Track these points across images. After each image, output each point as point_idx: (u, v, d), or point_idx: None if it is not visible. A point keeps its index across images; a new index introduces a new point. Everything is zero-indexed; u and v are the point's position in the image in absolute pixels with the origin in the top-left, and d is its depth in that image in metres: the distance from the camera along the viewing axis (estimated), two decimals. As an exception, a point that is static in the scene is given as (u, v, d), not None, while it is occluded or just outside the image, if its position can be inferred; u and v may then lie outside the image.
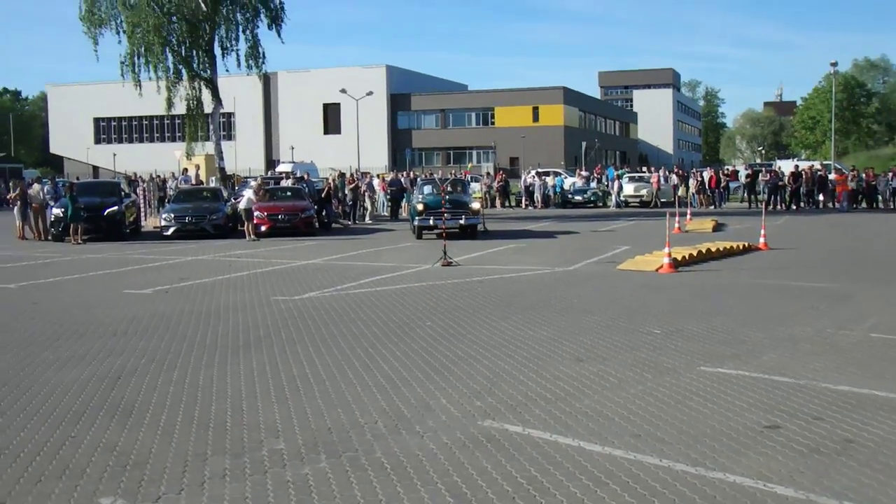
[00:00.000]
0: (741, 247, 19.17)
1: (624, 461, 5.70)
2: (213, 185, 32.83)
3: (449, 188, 24.88)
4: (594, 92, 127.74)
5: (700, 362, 8.53)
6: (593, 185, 44.65)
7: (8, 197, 43.09)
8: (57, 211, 24.94)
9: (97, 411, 6.96)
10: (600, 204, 42.57)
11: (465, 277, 15.27)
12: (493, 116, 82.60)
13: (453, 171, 48.82)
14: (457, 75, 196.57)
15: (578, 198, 42.41)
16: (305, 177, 36.09)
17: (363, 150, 64.33)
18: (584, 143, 75.96)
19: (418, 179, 36.00)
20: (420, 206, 23.70)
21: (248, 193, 25.47)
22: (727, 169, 50.71)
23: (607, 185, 43.97)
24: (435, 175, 45.77)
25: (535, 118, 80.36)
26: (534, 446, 6.01)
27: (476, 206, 23.88)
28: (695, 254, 17.16)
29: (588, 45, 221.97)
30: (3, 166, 67.38)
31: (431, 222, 22.78)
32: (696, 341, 9.56)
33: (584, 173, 48.55)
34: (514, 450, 5.93)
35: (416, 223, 23.78)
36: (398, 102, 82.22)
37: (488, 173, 50.57)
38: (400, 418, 6.69)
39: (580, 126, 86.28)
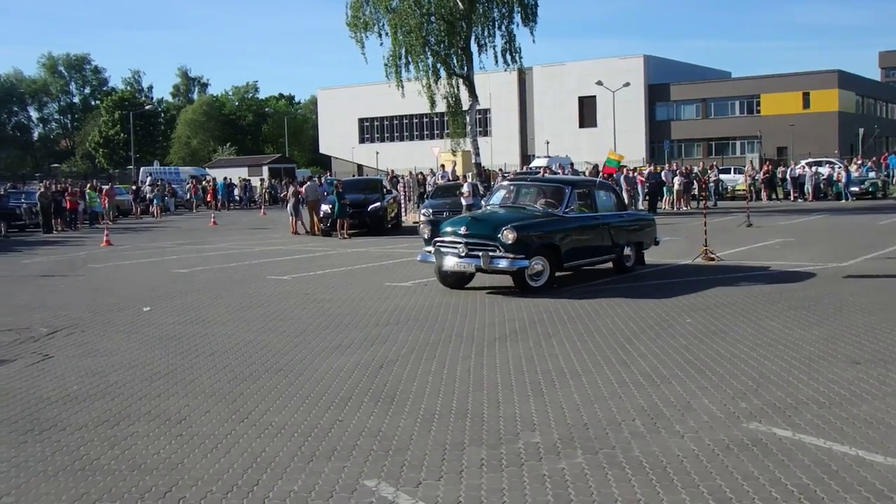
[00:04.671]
0: None
1: (911, 475, 5.17)
2: (469, 180, 33.63)
3: (521, 199, 14.78)
4: (874, 74, 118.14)
5: None
6: (872, 174, 41.38)
7: (282, 195, 46.68)
8: (325, 208, 26.63)
9: (362, 397, 7.27)
10: (880, 195, 39.36)
11: (727, 273, 14.61)
12: (758, 104, 78.54)
13: (714, 164, 46.87)
14: (719, 63, 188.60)
15: (855, 189, 39.44)
16: (561, 170, 36.04)
17: (619, 142, 63.43)
18: (861, 130, 70.52)
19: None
20: (426, 231, 14.01)
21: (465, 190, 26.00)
22: None
23: (888, 175, 40.59)
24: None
25: (806, 105, 75.50)
26: (805, 453, 5.59)
27: (511, 236, 12.59)
28: None
29: (866, 24, 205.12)
30: (279, 166, 72.90)
31: (432, 258, 13.56)
32: None
33: (859, 162, 45.16)
34: (783, 455, 5.55)
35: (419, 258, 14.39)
36: (656, 93, 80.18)
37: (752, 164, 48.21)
38: (659, 417, 6.46)
39: (857, 111, 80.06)
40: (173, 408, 7.09)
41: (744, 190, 39.56)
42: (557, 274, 13.57)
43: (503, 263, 12.70)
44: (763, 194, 40.47)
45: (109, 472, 5.61)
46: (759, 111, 78.17)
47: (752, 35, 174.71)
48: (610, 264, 15.04)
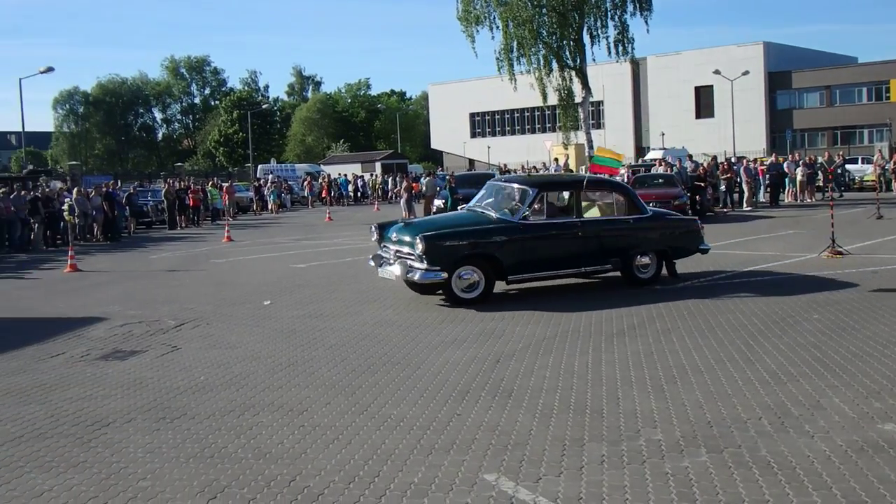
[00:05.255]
0: None
1: None
2: (582, 174, 33.30)
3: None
4: None
5: None
6: None
7: (395, 190, 47.23)
8: (438, 202, 26.92)
9: (479, 391, 7.28)
10: None
11: (856, 268, 14.01)
12: (887, 90, 74.93)
13: (841, 154, 45.02)
14: (844, 48, 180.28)
15: None
16: (677, 163, 35.26)
17: (738, 132, 61.69)
18: None
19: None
20: (375, 234, 13.13)
21: None
22: None
23: None
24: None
25: (941, 88, 71.76)
26: (948, 457, 5.30)
27: (421, 246, 11.49)
28: None
29: None
30: (391, 162, 73.72)
31: (372, 263, 12.97)
32: None
33: None
34: (923, 459, 5.28)
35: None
36: (777, 81, 77.58)
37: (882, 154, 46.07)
38: (787, 416, 6.24)
39: None
40: (295, 399, 7.25)
41: (872, 180, 37.90)
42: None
43: (417, 275, 11.62)
44: (894, 184, 38.67)
45: (237, 459, 5.78)
46: (888, 97, 74.62)
47: (881, 17, 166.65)
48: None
